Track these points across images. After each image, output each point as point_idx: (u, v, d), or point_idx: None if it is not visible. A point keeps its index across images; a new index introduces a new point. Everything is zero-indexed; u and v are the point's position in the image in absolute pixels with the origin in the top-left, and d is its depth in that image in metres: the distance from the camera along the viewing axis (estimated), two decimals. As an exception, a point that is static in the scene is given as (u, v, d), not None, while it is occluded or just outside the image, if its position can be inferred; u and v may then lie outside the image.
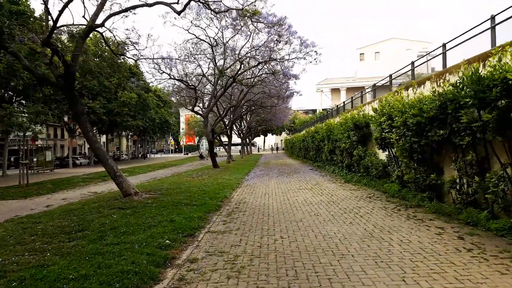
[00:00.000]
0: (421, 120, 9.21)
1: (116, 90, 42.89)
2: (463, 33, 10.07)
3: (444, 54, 11.16)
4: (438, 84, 10.32)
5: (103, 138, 70.47)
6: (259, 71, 25.60)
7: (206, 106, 25.98)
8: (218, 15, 20.44)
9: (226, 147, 39.83)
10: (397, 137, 10.60)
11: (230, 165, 30.36)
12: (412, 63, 13.63)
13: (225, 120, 37.30)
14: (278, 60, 22.44)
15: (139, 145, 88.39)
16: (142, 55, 14.73)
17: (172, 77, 23.43)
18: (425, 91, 10.85)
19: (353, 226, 7.89)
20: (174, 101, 34.01)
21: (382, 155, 13.95)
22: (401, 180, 11.79)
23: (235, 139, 74.14)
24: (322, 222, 8.32)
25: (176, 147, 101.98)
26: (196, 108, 32.74)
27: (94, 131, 52.48)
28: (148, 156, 78.30)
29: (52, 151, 54.70)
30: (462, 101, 7.31)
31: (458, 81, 7.68)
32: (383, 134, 11.97)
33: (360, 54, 72.06)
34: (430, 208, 9.19)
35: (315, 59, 21.84)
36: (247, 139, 63.12)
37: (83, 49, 39.32)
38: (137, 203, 10.56)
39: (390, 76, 15.97)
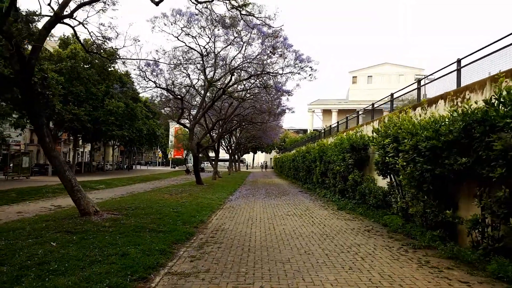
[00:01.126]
0: (437, 144, 7.61)
1: (103, 98, 41.07)
2: (478, 50, 8.73)
3: (458, 71, 9.71)
4: (455, 103, 8.79)
5: (88, 147, 68.02)
6: (251, 85, 24.10)
7: (193, 118, 24.18)
8: (208, 26, 19.04)
9: (213, 162, 38.17)
10: (404, 163, 8.98)
11: (215, 182, 28.52)
12: (419, 81, 12.18)
13: (213, 134, 35.65)
14: (271, 73, 20.98)
15: (125, 156, 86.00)
16: (120, 55, 12.94)
17: (158, 86, 21.72)
18: (440, 111, 9.30)
19: (354, 273, 6.12)
20: (162, 112, 32.12)
21: (382, 182, 12.32)
22: (405, 213, 10.11)
23: (223, 154, 72.31)
24: (315, 266, 6.54)
25: (164, 160, 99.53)
26: (184, 120, 31.10)
27: (79, 139, 50.39)
28: (134, 167, 75.85)
29: (33, 158, 52.23)
30: (500, 122, 5.71)
31: (493, 96, 6.10)
32: (386, 158, 10.36)
33: (353, 77, 71.89)
34: (444, 252, 7.49)
35: (310, 75, 20.48)
36: (236, 155, 61.31)
37: (73, 53, 37.46)
38: (91, 226, 8.65)
39: (392, 95, 14.53)
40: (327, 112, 72.32)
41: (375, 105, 16.02)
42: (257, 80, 23.29)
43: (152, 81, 21.35)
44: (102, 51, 12.79)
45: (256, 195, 20.14)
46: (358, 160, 14.26)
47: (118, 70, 45.41)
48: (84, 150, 62.63)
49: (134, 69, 21.20)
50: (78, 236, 7.68)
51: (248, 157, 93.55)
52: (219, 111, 28.95)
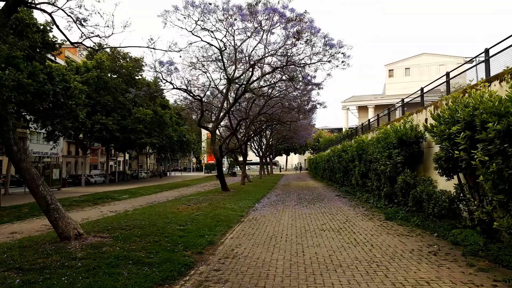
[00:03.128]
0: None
1: (130, 107, 40.20)
2: None
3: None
4: None
5: (125, 157, 68.37)
6: (275, 78, 21.62)
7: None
8: (225, 17, 16.77)
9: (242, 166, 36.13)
10: (486, 158, 6.09)
11: (243, 188, 26.24)
12: (487, 51, 9.09)
13: (240, 136, 33.52)
14: (297, 64, 18.32)
15: (161, 163, 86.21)
16: (106, 44, 10.85)
17: (175, 86, 19.70)
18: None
19: None
20: (189, 116, 30.47)
21: (445, 184, 9.35)
22: (486, 228, 7.16)
23: (254, 158, 70.03)
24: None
25: (198, 165, 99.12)
26: (209, 124, 29.24)
27: (110, 149, 50.05)
28: (168, 174, 75.59)
29: (65, 169, 52.60)
30: None
31: None
32: (453, 152, 7.46)
33: (389, 70, 67.69)
34: None
35: (343, 63, 17.61)
36: (267, 158, 58.84)
37: (98, 64, 36.80)
38: (58, 258, 6.46)
39: (447, 75, 11.44)
40: (362, 109, 68.66)
41: (430, 88, 12.94)
42: (283, 75, 20.79)
43: (168, 82, 19.39)
44: (95, 45, 10.69)
45: (286, 201, 17.58)
46: (409, 157, 11.32)
47: (146, 78, 44.80)
48: (121, 160, 62.72)
49: (149, 70, 19.39)
50: (24, 277, 5.46)
51: (281, 160, 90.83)
52: (245, 112, 26.61)
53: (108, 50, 41.10)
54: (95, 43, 10.13)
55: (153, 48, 10.89)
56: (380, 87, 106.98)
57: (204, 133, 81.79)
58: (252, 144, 49.76)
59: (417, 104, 13.51)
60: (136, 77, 41.62)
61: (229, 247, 7.92)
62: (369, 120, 22.71)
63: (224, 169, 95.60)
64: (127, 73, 40.50)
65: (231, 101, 22.39)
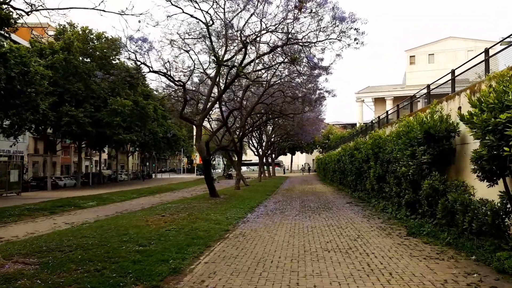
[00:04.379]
0: None
1: (106, 97, 39.09)
2: None
3: None
4: None
5: (102, 155, 67.32)
6: (274, 61, 20.52)
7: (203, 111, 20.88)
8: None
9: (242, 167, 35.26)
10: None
11: (237, 193, 25.21)
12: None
13: (235, 131, 32.54)
14: (301, 42, 17.16)
15: (147, 163, 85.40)
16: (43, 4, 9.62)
17: (151, 69, 18.57)
18: None
19: None
20: (174, 108, 29.49)
21: (485, 191, 8.20)
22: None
23: (254, 157, 68.93)
24: None
25: (189, 166, 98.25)
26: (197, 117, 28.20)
27: (83, 147, 49.06)
28: (154, 176, 74.77)
29: (31, 169, 51.56)
30: None
31: None
32: (503, 148, 6.31)
33: (410, 56, 67.10)
34: None
35: (355, 41, 16.44)
36: (269, 158, 57.81)
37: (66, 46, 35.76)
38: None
39: (486, 51, 10.24)
40: (379, 101, 67.78)
41: (464, 69, 11.74)
42: (284, 57, 19.65)
43: (142, 63, 18.26)
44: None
45: (286, 210, 16.55)
46: (438, 156, 10.18)
47: (125, 62, 43.72)
48: (99, 159, 61.74)
49: (122, 49, 18.11)
50: None
51: (285, 160, 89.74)
52: (240, 101, 25.54)
53: (79, 29, 40.32)
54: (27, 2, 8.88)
55: (120, 14, 9.72)
56: (400, 77, 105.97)
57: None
58: (250, 141, 48.75)
59: (444, 95, 12.34)
60: (113, 61, 40.48)
61: (198, 277, 6.77)
62: (387, 112, 21.65)
63: (219, 170, 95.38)
64: (101, 56, 39.39)
65: (220, 87, 21.31)
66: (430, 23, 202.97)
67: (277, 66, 21.96)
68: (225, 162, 76.07)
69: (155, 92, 33.88)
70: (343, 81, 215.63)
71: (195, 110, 22.15)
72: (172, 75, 19.58)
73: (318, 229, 11.64)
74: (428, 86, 14.16)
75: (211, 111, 28.98)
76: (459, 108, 10.13)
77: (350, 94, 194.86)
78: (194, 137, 21.88)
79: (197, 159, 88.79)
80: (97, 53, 40.38)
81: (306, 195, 24.56)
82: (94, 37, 41.39)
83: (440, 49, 62.28)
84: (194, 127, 40.77)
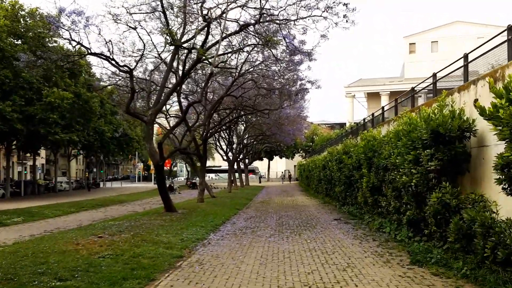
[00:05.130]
0: None
1: (41, 87, 37.35)
2: None
3: None
4: None
5: (43, 160, 64.79)
6: (244, 43, 19.80)
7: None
8: None
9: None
10: None
11: (200, 206, 24.46)
12: None
13: (198, 130, 31.73)
14: (277, 18, 16.42)
15: (93, 170, 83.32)
16: None
17: (90, 51, 17.41)
18: None
19: None
20: (122, 101, 28.33)
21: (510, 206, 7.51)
22: None
23: (222, 162, 68.00)
24: None
25: (146, 173, 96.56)
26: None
27: (12, 148, 46.99)
28: (101, 185, 72.78)
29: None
30: None
31: None
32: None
33: (410, 44, 67.92)
34: None
35: (344, 18, 15.83)
36: (241, 163, 57.05)
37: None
38: None
39: (510, 28, 9.63)
40: (373, 97, 68.56)
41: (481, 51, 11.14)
42: (257, 39, 19.01)
43: (78, 43, 17.09)
44: None
45: (258, 229, 15.86)
46: (449, 162, 9.53)
47: (65, 45, 41.98)
48: (34, 164, 59.40)
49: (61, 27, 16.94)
50: None
51: (261, 165, 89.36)
52: (202, 93, 24.69)
53: (7, 4, 38.55)
54: None
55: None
56: (397, 70, 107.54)
57: (156, 128, 79.53)
58: (218, 143, 47.96)
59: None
60: (50, 44, 38.81)
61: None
62: (382, 108, 21.16)
63: (181, 179, 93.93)
64: (35, 37, 37.63)
65: (178, 74, 20.42)
66: (433, 8, 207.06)
67: (248, 50, 21.25)
68: (188, 169, 74.81)
69: (97, 82, 32.49)
70: (330, 74, 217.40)
71: (147, 104, 21.10)
72: (119, 60, 18.56)
73: (297, 255, 10.85)
74: (434, 74, 13.56)
75: (167, 106, 28.03)
76: (475, 100, 9.48)
77: (338, 89, 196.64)
78: (144, 137, 20.90)
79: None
80: (30, 33, 38.64)
81: (284, 210, 24.05)
82: (26, 14, 39.63)
83: (445, 35, 62.93)
84: (156, 127, 39.88)
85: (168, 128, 34.70)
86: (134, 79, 20.08)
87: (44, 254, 10.05)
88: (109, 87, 39.74)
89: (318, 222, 17.87)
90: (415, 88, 16.96)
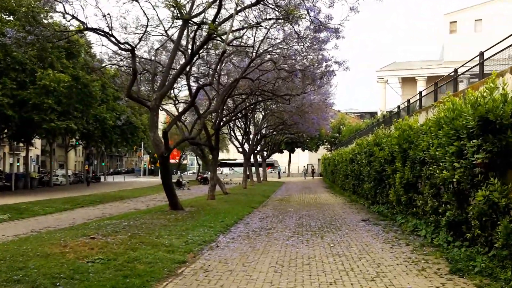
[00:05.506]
0: None
1: (35, 68, 37.62)
2: None
3: None
4: None
5: (36, 150, 65.65)
6: (261, 18, 19.59)
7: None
8: None
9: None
10: None
11: (211, 204, 24.48)
12: None
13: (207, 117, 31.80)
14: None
15: (94, 162, 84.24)
16: None
17: (86, 26, 17.28)
18: None
19: None
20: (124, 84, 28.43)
21: None
22: None
23: (238, 155, 68.00)
24: None
25: (153, 166, 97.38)
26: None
27: (3, 137, 47.57)
28: (102, 179, 73.76)
29: None
30: None
31: None
32: None
33: (451, 23, 67.24)
34: None
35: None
36: (258, 156, 57.03)
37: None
38: None
39: None
40: (408, 82, 68.90)
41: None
42: (277, 13, 18.77)
43: (72, 16, 16.98)
44: None
45: (275, 231, 15.67)
46: (499, 154, 9.14)
47: (61, 22, 42.19)
48: (27, 155, 60.20)
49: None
50: None
51: (281, 159, 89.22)
52: (214, 74, 24.65)
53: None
54: None
55: None
56: (436, 52, 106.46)
57: (164, 115, 79.87)
58: (233, 133, 47.95)
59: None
60: (45, 20, 39.11)
61: None
62: (420, 93, 20.79)
63: (192, 173, 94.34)
64: (28, 14, 37.95)
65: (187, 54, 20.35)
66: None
67: (267, 26, 20.99)
68: (199, 162, 75.13)
69: (96, 63, 32.67)
70: (359, 57, 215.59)
71: (152, 87, 21.05)
72: (121, 38, 18.59)
73: (318, 261, 10.54)
74: (481, 54, 13.06)
75: (176, 91, 27.84)
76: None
77: (369, 73, 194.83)
78: (149, 125, 20.87)
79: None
80: (23, 9, 38.96)
81: (306, 209, 23.94)
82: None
83: (490, 13, 62.17)
84: (165, 115, 40.07)
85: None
86: (138, 59, 20.00)
87: (24, 258, 9.89)
88: (112, 69, 39.89)
89: (344, 223, 17.70)
90: (459, 70, 16.57)
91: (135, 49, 19.37)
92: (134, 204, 28.69)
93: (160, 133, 21.13)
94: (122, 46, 18.65)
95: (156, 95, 18.77)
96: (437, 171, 11.58)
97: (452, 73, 16.42)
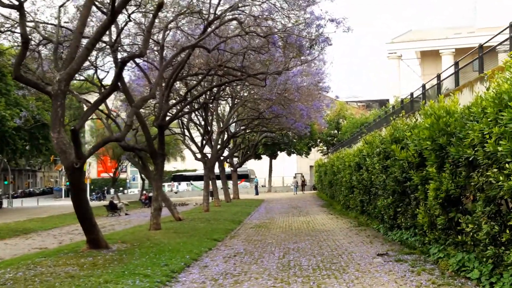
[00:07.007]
0: None
1: None
2: None
3: None
4: None
5: None
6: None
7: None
8: None
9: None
10: None
11: (153, 237, 24.01)
12: None
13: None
14: None
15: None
16: None
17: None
18: None
19: None
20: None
21: None
22: None
23: (196, 165, 67.02)
24: None
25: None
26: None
27: None
28: (7, 203, 72.81)
29: None
30: None
31: None
32: None
33: None
34: None
35: None
36: (225, 163, 56.77)
37: None
38: None
39: None
40: (429, 57, 71.04)
41: None
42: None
43: None
44: None
45: (246, 278, 14.81)
46: None
47: None
48: None
49: None
50: None
51: (259, 167, 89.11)
52: (147, 40, 24.14)
53: None
54: None
55: None
56: (464, 16, 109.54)
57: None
58: (188, 133, 48.62)
59: None
60: None
61: None
62: (456, 63, 20.15)
63: (131, 191, 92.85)
64: None
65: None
66: None
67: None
68: (143, 177, 74.02)
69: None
70: (365, 29, 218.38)
71: (55, 64, 19.92)
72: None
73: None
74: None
75: (87, 66, 26.48)
76: None
77: (376, 49, 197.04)
78: (51, 121, 19.72)
79: (93, 170, 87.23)
80: None
81: (294, 239, 23.57)
82: None
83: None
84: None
85: (107, 111, 33.50)
86: (31, 21, 18.58)
87: None
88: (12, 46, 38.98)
89: (351, 261, 16.98)
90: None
91: (23, 3, 18.74)
92: (41, 240, 27.91)
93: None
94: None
95: (60, 76, 17.57)
96: (501, 178, 10.61)
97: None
